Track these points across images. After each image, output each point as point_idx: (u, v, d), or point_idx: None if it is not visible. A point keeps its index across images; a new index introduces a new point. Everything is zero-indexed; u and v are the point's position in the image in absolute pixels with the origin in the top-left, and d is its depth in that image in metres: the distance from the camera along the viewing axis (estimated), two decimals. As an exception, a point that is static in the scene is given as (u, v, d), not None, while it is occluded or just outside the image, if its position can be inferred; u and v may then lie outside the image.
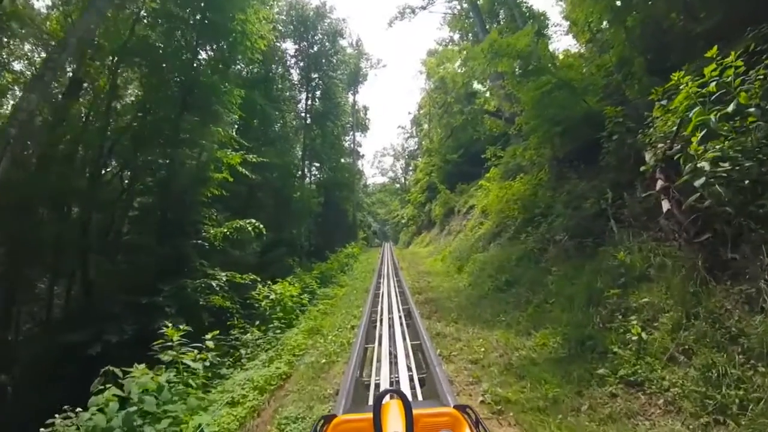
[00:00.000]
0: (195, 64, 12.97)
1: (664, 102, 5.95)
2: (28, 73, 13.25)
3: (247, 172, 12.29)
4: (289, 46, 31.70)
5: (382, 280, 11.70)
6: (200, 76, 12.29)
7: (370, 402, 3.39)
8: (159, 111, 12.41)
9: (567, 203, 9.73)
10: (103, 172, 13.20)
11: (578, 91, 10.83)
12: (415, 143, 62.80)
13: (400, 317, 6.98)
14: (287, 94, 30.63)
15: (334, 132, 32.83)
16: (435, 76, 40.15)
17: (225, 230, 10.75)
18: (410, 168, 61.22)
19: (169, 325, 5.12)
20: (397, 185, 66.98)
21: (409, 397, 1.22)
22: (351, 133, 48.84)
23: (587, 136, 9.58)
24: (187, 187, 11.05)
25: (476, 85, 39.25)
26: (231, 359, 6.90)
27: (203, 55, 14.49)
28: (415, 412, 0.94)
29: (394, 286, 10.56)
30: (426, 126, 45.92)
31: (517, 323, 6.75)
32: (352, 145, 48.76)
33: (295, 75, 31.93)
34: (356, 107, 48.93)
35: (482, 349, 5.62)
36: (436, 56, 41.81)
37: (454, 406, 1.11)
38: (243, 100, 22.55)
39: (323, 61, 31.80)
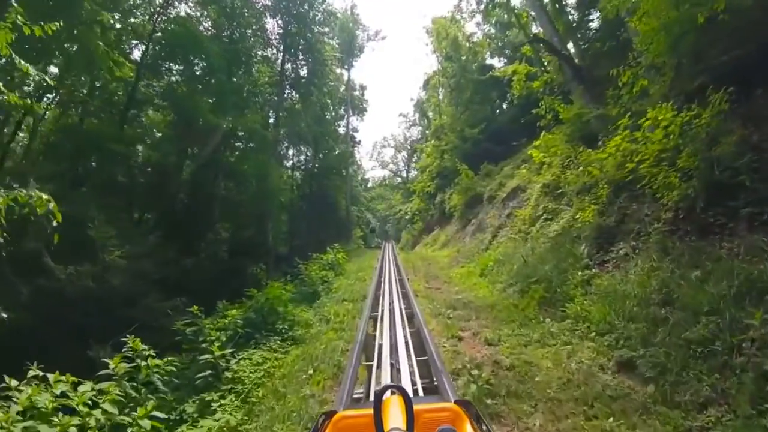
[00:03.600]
0: None
1: None
2: None
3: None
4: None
5: (379, 343, 4.50)
6: None
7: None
8: None
9: None
10: None
11: None
12: (418, 132, 56.31)
13: None
14: (259, 53, 23.51)
15: (319, 103, 25.62)
16: (446, 40, 33.15)
17: None
18: (414, 159, 54.55)
19: None
20: (399, 179, 60.35)
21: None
22: (345, 116, 41.58)
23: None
24: None
25: (490, 60, 32.85)
26: None
27: None
28: (416, 407, 0.91)
29: (410, 372, 3.37)
30: (435, 102, 38.66)
31: None
32: (346, 130, 41.45)
33: (272, 31, 24.58)
34: (351, 84, 41.65)
35: None
36: (445, 17, 34.63)
37: (455, 401, 1.10)
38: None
39: (304, 10, 24.48)
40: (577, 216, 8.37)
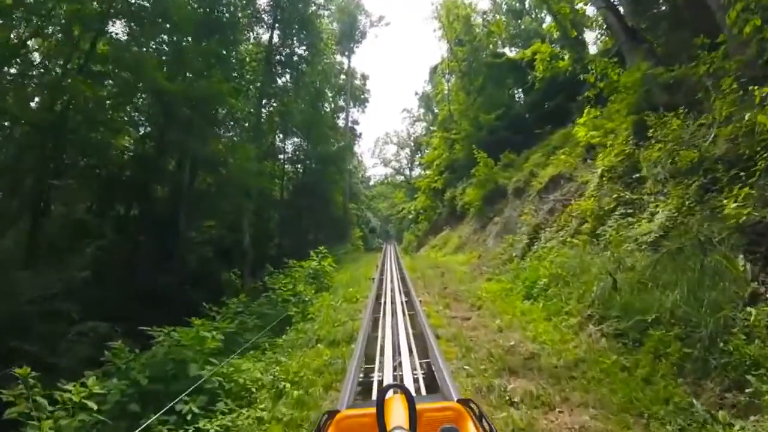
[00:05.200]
0: None
1: None
2: None
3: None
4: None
5: None
6: None
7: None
8: None
9: None
10: None
11: None
12: (422, 128, 53.44)
13: None
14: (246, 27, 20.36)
15: (313, 85, 22.38)
16: (457, 20, 30.17)
17: None
18: (418, 156, 51.66)
19: None
20: (402, 177, 57.47)
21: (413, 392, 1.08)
22: (344, 107, 38.41)
23: None
24: None
25: (501, 50, 29.95)
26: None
27: None
28: (418, 406, 0.91)
29: None
30: (441, 90, 35.38)
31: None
32: (345, 122, 38.23)
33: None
34: (351, 72, 38.50)
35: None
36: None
37: (458, 400, 1.09)
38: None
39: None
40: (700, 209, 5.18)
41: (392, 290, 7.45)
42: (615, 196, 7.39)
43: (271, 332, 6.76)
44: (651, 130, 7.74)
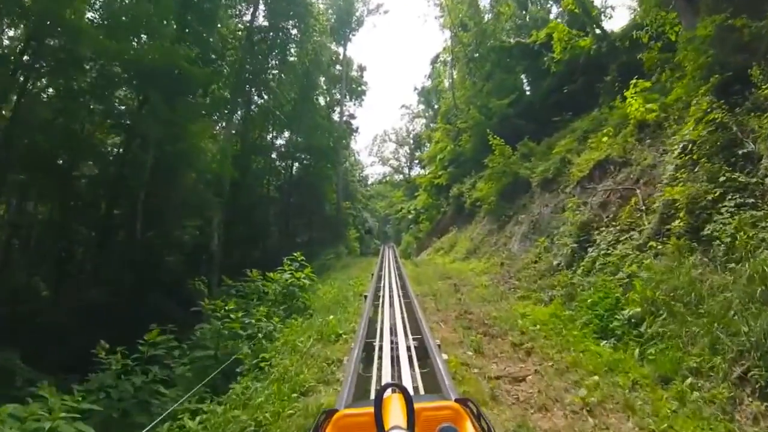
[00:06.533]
0: None
1: None
2: None
3: None
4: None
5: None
6: None
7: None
8: None
9: None
10: None
11: None
12: (422, 125, 51.36)
13: None
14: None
15: (302, 67, 19.91)
16: (461, 3, 27.94)
17: None
18: (417, 154, 49.53)
19: None
20: (401, 176, 55.40)
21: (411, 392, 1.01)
22: (339, 100, 35.98)
23: None
24: None
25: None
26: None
27: None
28: (416, 405, 0.87)
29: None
30: (441, 82, 32.94)
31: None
32: (340, 116, 35.76)
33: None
34: (347, 62, 36.03)
35: None
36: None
37: (456, 400, 1.05)
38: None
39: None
40: None
41: (393, 319, 5.04)
42: (721, 179, 5.02)
43: (210, 389, 4.34)
44: (762, 89, 5.40)
